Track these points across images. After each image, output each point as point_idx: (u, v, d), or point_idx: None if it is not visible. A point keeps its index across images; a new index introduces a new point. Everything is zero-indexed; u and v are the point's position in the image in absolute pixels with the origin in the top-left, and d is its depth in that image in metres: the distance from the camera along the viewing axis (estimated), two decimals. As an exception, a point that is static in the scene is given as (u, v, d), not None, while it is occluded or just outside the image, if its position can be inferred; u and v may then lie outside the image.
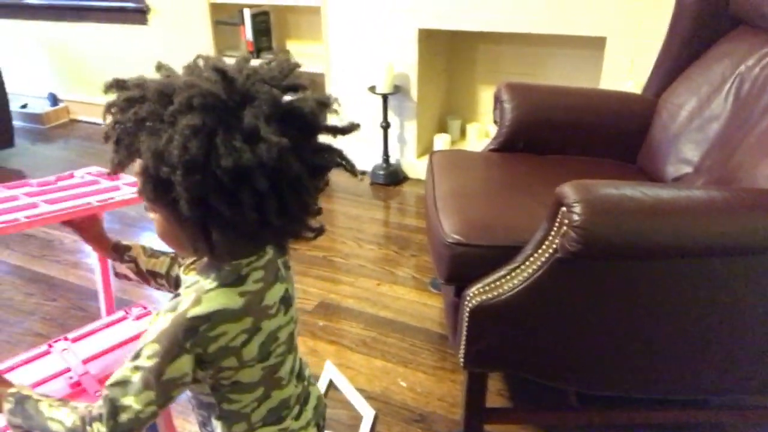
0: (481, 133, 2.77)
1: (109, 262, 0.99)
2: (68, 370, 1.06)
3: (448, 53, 2.79)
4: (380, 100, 2.55)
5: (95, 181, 1.16)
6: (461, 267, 1.22)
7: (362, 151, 2.77)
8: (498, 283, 1.15)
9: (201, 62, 0.67)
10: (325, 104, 0.68)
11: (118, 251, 0.95)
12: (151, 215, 0.72)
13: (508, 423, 1.40)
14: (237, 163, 0.59)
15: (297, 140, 0.63)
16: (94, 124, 3.57)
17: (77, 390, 1.02)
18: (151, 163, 0.61)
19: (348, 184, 2.65)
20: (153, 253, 0.94)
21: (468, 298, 1.17)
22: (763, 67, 1.40)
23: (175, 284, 0.92)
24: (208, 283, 0.71)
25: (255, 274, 0.73)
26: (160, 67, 0.68)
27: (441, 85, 2.83)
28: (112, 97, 0.66)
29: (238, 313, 0.71)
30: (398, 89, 2.57)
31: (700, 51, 1.64)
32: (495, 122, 1.76)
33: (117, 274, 0.97)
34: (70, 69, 3.61)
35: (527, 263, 1.12)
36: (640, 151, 1.69)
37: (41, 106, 3.62)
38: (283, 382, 0.82)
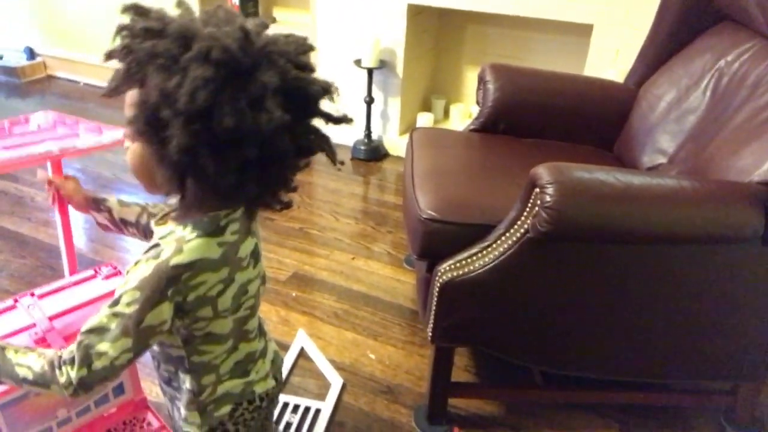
0: (464, 114, 2.77)
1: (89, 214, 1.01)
2: (33, 325, 1.05)
3: (437, 31, 2.77)
4: (365, 74, 2.53)
5: (51, 128, 1.13)
6: (434, 243, 1.23)
7: (344, 125, 2.75)
8: (469, 260, 1.17)
9: (221, 13, 0.67)
10: (328, 90, 0.69)
11: (95, 203, 0.98)
12: (128, 144, 0.72)
13: (472, 397, 1.43)
14: (237, 125, 0.61)
15: (294, 118, 0.64)
16: (72, 81, 3.48)
17: (42, 346, 1.01)
18: (155, 100, 0.61)
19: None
20: (125, 204, 0.97)
21: (439, 274, 1.19)
22: (742, 63, 1.42)
23: (144, 232, 0.94)
24: (188, 232, 0.71)
25: (232, 226, 0.74)
26: (180, 4, 0.68)
27: (427, 63, 2.82)
28: (127, 19, 0.65)
29: (218, 263, 0.72)
30: (384, 64, 2.55)
31: (683, 44, 1.65)
32: (477, 103, 1.76)
33: (98, 224, 1.00)
34: (50, 23, 3.51)
35: (499, 242, 1.14)
36: (617, 139, 1.71)
37: (17, 59, 3.51)
38: (251, 335, 0.84)
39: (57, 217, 1.07)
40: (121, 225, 0.96)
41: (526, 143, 1.66)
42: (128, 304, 0.68)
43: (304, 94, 0.66)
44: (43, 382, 0.73)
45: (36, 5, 3.49)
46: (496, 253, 1.14)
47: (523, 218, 1.09)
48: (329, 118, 0.71)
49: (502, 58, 2.65)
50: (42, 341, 1.03)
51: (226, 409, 0.84)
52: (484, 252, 1.15)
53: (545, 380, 1.45)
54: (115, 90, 0.66)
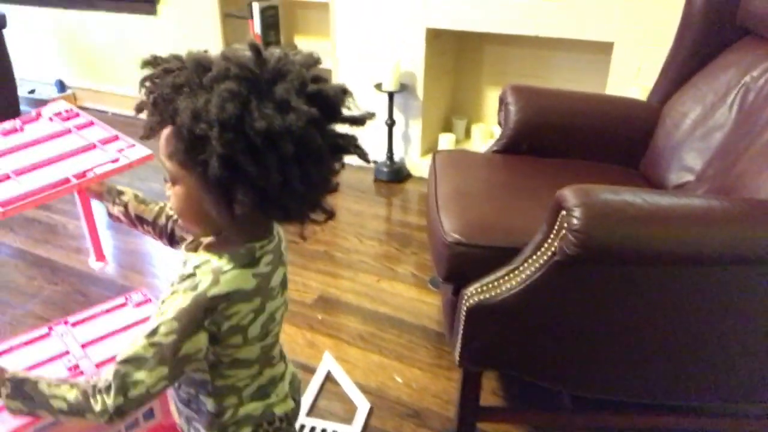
0: (485, 134, 2.77)
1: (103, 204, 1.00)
2: (67, 353, 1.07)
3: (456, 53, 2.79)
4: (386, 97, 2.56)
5: (67, 130, 1.07)
6: (460, 266, 1.23)
7: (367, 147, 2.77)
8: (496, 283, 1.16)
9: (235, 45, 0.71)
10: (347, 92, 0.71)
11: (111, 194, 0.98)
12: (170, 192, 0.74)
13: (501, 422, 1.41)
14: (269, 126, 0.63)
15: (320, 119, 0.67)
16: (101, 111, 3.58)
17: (75, 373, 1.03)
18: (188, 122, 0.63)
19: (351, 180, 2.66)
20: (143, 200, 0.97)
21: (466, 297, 1.18)
22: (769, 78, 1.40)
23: (161, 234, 0.95)
24: (225, 263, 0.73)
25: (266, 258, 0.75)
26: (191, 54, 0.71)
27: (447, 85, 2.84)
28: (148, 71, 0.68)
29: (251, 294, 0.74)
30: (404, 87, 2.58)
31: (706, 60, 1.64)
32: (499, 124, 1.77)
33: (110, 215, 0.99)
34: (79, 56, 3.62)
35: (526, 265, 1.13)
36: (643, 157, 1.69)
37: (48, 92, 3.63)
38: (274, 360, 0.86)
39: (79, 207, 1.05)
40: (136, 221, 0.96)
41: (550, 163, 1.66)
42: (166, 335, 0.70)
43: (325, 96, 0.68)
44: (78, 411, 0.75)
45: (65, 39, 3.61)
46: (523, 276, 1.13)
47: (549, 241, 1.08)
48: (352, 120, 0.73)
49: (522, 77, 2.66)
50: (75, 368, 1.05)
51: (246, 430, 0.84)
52: (511, 275, 1.15)
53: (575, 404, 1.43)
54: (151, 130, 0.69)
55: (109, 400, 0.72)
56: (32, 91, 3.64)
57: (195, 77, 0.65)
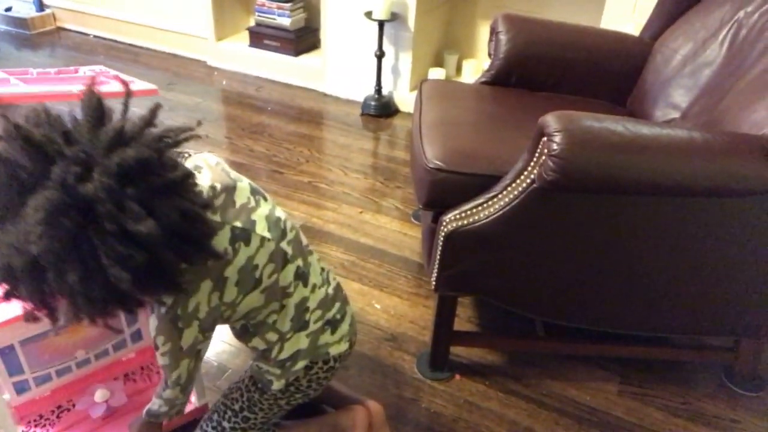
0: (477, 70, 2.72)
1: None
2: None
3: (450, -16, 2.70)
4: (376, 27, 2.49)
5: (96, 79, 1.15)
6: (440, 193, 1.23)
7: (354, 80, 2.72)
8: (475, 210, 1.17)
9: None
10: (150, 120, 0.68)
11: None
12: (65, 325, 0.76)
13: (474, 346, 1.46)
14: (131, 264, 0.62)
15: (156, 191, 0.64)
16: (82, 33, 3.46)
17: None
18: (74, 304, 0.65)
19: (338, 113, 2.62)
20: None
21: (444, 224, 1.19)
22: (762, 14, 1.38)
23: None
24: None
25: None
26: None
27: (440, 17, 2.76)
28: None
29: (192, 290, 0.81)
30: (395, 17, 2.50)
31: (702, -4, 1.60)
32: (489, 55, 1.73)
33: None
34: (58, -27, 3.46)
35: (505, 192, 1.13)
36: (631, 94, 1.68)
37: (27, 11, 3.48)
38: (289, 289, 0.93)
39: None
40: None
41: (538, 96, 1.64)
42: (163, 344, 0.86)
43: (137, 166, 0.63)
44: (167, 406, 0.97)
45: (44, -46, 3.44)
46: (502, 203, 1.13)
47: (530, 168, 1.09)
48: (174, 139, 0.70)
49: (517, 11, 2.58)
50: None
51: (302, 363, 0.95)
52: (490, 202, 1.15)
53: (547, 331, 1.47)
54: (31, 315, 0.69)
55: (174, 392, 0.95)
56: (9, 9, 3.49)
57: (40, 278, 0.62)
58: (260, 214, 0.87)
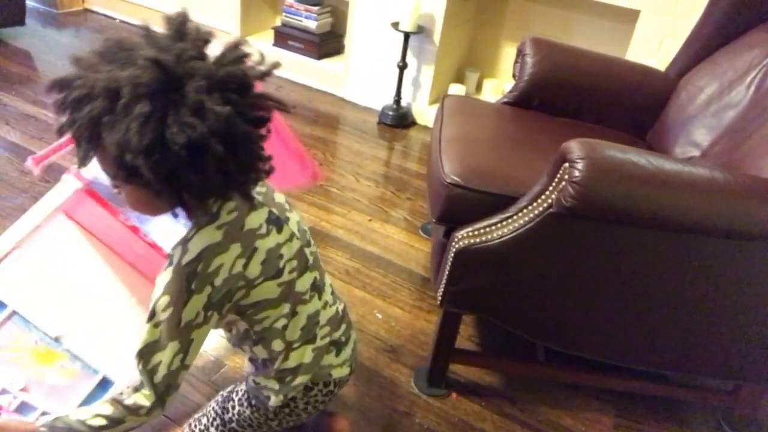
0: (497, 90, 2.73)
1: None
2: None
3: (479, 1, 2.71)
4: (401, 38, 2.50)
5: None
6: (455, 208, 1.23)
7: (375, 88, 2.73)
8: (488, 229, 1.17)
9: (116, 47, 0.72)
10: (246, 55, 0.75)
11: None
12: (117, 191, 0.78)
13: (474, 365, 1.45)
14: (190, 137, 0.66)
15: (237, 103, 0.71)
16: (109, 17, 3.48)
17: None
18: (116, 153, 0.68)
19: (355, 120, 2.62)
20: None
21: (456, 240, 1.19)
22: (792, 61, 1.38)
23: None
24: (188, 232, 0.79)
25: (227, 206, 0.80)
26: (78, 60, 0.71)
27: (465, 34, 2.77)
28: (57, 96, 0.70)
29: (223, 244, 0.79)
30: (421, 30, 2.51)
31: (731, 37, 1.60)
32: (513, 76, 1.74)
33: None
34: (91, -44, 3.50)
35: (520, 214, 1.13)
36: (652, 128, 1.68)
37: (56, -9, 3.51)
38: (305, 296, 0.91)
39: None
40: None
41: (559, 122, 1.64)
42: (163, 310, 0.77)
43: (233, 79, 0.71)
44: (119, 419, 0.81)
45: (79, -64, 3.47)
46: (516, 225, 1.13)
47: (548, 192, 1.08)
48: (263, 75, 0.76)
49: (543, 36, 2.59)
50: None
51: (302, 379, 0.92)
52: (504, 222, 1.15)
53: (548, 357, 1.46)
54: (85, 158, 0.72)
55: (147, 390, 0.79)
56: (39, -12, 3.51)
57: (108, 105, 0.67)
58: (292, 218, 0.91)
